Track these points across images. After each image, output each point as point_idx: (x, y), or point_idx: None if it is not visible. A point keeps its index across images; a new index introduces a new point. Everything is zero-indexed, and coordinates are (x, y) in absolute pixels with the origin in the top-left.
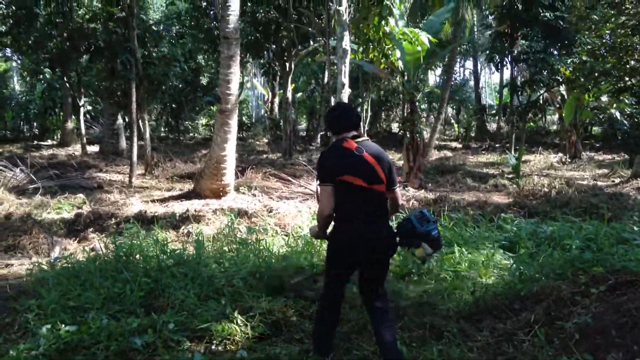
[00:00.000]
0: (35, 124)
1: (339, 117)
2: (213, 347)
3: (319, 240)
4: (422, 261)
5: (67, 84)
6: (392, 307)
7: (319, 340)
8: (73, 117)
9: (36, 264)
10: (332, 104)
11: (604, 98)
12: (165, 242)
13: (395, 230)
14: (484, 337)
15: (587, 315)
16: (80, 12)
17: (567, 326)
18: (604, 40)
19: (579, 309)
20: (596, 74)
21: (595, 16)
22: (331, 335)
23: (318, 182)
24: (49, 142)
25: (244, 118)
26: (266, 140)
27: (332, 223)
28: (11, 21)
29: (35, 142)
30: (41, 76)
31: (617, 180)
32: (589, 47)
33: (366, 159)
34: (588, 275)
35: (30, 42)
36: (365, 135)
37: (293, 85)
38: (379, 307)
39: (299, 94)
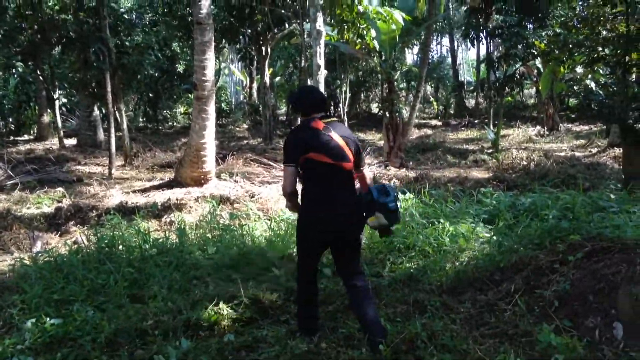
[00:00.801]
0: (10, 119)
1: (305, 99)
2: (201, 332)
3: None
4: (380, 234)
5: (41, 77)
6: (370, 285)
7: (303, 320)
8: (48, 110)
9: (18, 259)
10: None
11: (579, 69)
12: (147, 232)
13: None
14: (466, 309)
15: (566, 283)
16: (50, 3)
17: (546, 294)
18: (576, 12)
19: (558, 276)
20: (570, 46)
21: None
22: (314, 313)
23: (283, 162)
24: (26, 137)
25: (222, 105)
26: (246, 126)
27: (300, 202)
28: None
29: (12, 137)
30: (14, 70)
31: (594, 151)
32: (562, 19)
33: (332, 137)
34: (565, 243)
35: (0, 36)
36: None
37: (271, 69)
38: (357, 285)
39: (277, 78)
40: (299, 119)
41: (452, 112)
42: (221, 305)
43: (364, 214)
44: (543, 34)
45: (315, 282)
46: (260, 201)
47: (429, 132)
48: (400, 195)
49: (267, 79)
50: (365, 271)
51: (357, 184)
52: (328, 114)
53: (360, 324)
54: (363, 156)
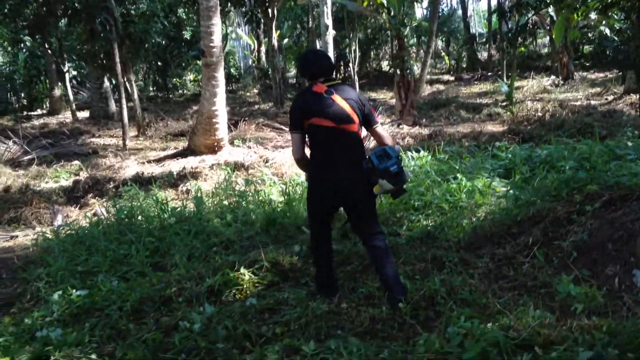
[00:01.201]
0: (22, 94)
1: (310, 63)
2: (223, 297)
3: None
4: (394, 197)
5: (49, 51)
6: (388, 244)
7: (320, 281)
8: (59, 84)
9: (40, 234)
10: (318, 47)
11: (593, 16)
12: (165, 202)
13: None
14: (484, 264)
15: (584, 233)
16: None
17: (564, 245)
18: None
19: (575, 227)
20: None
21: None
22: (331, 274)
23: (289, 129)
24: (39, 111)
25: (231, 70)
26: (256, 91)
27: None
28: None
29: (25, 112)
30: (22, 45)
31: (610, 98)
32: None
33: (334, 100)
34: (582, 193)
35: (6, 10)
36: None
37: (278, 31)
38: (376, 245)
39: (286, 40)
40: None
41: (464, 66)
42: (242, 270)
43: (369, 182)
44: None
45: (327, 244)
46: (274, 166)
47: (442, 87)
48: (414, 154)
49: (275, 42)
50: (383, 230)
51: (372, 144)
52: (335, 76)
53: (381, 282)
54: (373, 115)
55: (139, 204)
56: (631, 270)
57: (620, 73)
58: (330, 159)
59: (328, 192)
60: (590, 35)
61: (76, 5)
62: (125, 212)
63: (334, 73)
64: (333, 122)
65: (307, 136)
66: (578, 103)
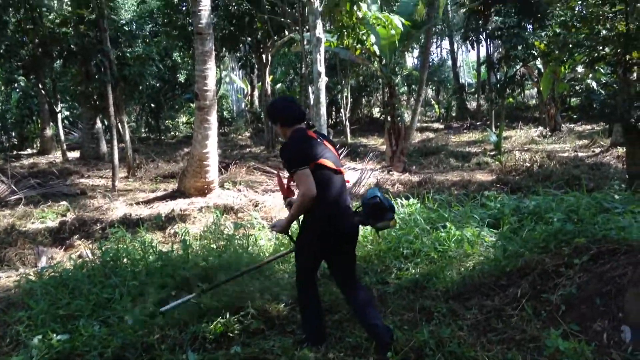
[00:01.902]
0: (13, 133)
1: (288, 110)
2: (208, 345)
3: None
4: (382, 229)
5: (43, 91)
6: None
7: (310, 328)
8: (51, 123)
9: (23, 275)
10: (311, 93)
11: (580, 69)
12: (151, 245)
13: (360, 210)
14: (473, 315)
15: (572, 286)
16: (50, 17)
17: (553, 298)
18: (575, 12)
19: (564, 280)
20: (570, 46)
21: None
22: (320, 321)
23: (294, 168)
24: (29, 150)
25: (224, 113)
26: (248, 134)
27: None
28: None
29: (15, 151)
30: (16, 85)
31: (597, 150)
32: (562, 19)
33: (327, 146)
34: (571, 246)
35: (1, 50)
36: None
37: (272, 76)
38: (359, 292)
39: (279, 85)
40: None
41: (453, 114)
42: (228, 316)
43: (371, 220)
44: (543, 34)
45: (316, 287)
46: (264, 210)
47: (431, 135)
48: (404, 201)
49: (268, 86)
50: (372, 278)
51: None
52: (311, 124)
53: (366, 329)
54: None
55: (125, 246)
56: (620, 326)
57: (607, 126)
58: (336, 199)
59: (336, 230)
60: (577, 87)
61: (72, 47)
62: (110, 254)
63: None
64: (335, 165)
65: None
66: (565, 154)
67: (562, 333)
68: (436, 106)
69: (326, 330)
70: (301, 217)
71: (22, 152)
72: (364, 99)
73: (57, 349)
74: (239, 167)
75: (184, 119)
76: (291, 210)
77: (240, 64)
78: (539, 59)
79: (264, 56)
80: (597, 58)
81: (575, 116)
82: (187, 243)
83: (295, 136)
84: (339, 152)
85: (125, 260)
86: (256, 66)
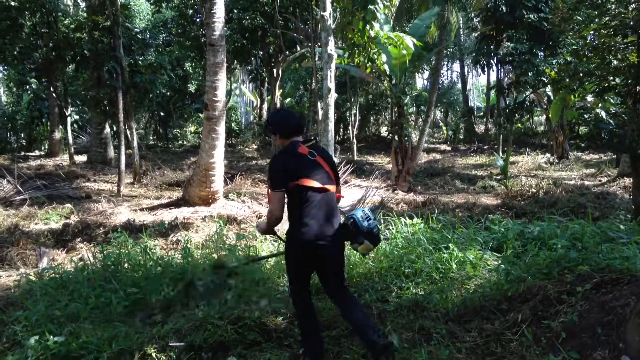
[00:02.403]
0: (22, 134)
1: (285, 123)
2: (203, 354)
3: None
4: (363, 255)
5: (54, 94)
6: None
7: (307, 342)
8: (60, 127)
9: (24, 275)
10: (320, 109)
11: (590, 98)
12: (152, 251)
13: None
14: (472, 338)
15: (573, 314)
16: (65, 22)
17: (553, 325)
18: (587, 41)
19: (565, 307)
20: (581, 74)
21: (578, 17)
22: (316, 335)
23: (270, 188)
24: (37, 152)
25: (232, 125)
26: (255, 147)
27: (289, 225)
28: None
29: (23, 152)
30: (27, 87)
31: (604, 180)
32: (573, 47)
33: (319, 162)
34: (574, 274)
35: (15, 52)
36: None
37: (281, 90)
38: (345, 297)
39: (288, 100)
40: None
41: (461, 137)
42: (225, 327)
43: (351, 242)
44: (554, 62)
45: (310, 301)
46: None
47: (438, 156)
48: (407, 220)
49: (277, 100)
50: (372, 296)
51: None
52: (311, 138)
53: (354, 328)
54: (339, 178)
55: (126, 251)
56: (620, 356)
57: (615, 156)
58: (316, 217)
59: (313, 248)
60: (586, 116)
61: (85, 52)
62: (112, 259)
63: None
64: (319, 183)
65: (287, 196)
66: (572, 182)
67: None
68: (444, 128)
69: (324, 346)
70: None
71: (30, 154)
72: (372, 117)
73: (53, 351)
74: (244, 179)
75: (192, 128)
76: (262, 224)
77: (250, 76)
78: (549, 86)
79: (274, 70)
80: (607, 88)
81: (583, 144)
82: (189, 251)
83: (283, 152)
84: (343, 168)
85: (126, 265)
86: (266, 80)
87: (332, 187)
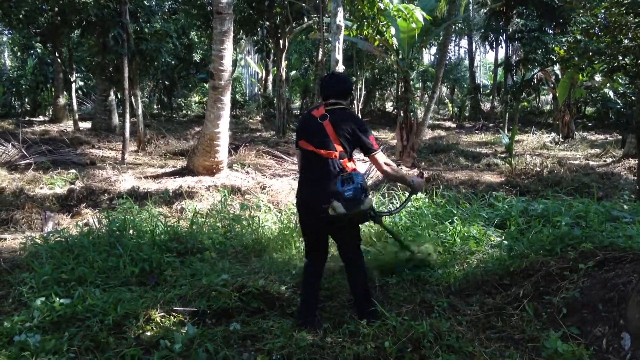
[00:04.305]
0: (26, 99)
1: (321, 85)
2: (207, 320)
3: None
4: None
5: (59, 59)
6: (364, 268)
7: (301, 304)
8: (65, 93)
9: (29, 238)
10: None
11: (598, 77)
12: (160, 218)
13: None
14: (473, 312)
15: (575, 290)
16: None
17: (555, 301)
18: (598, 19)
19: (567, 284)
20: (590, 53)
21: None
22: (311, 301)
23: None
24: (41, 118)
25: (237, 96)
26: (259, 118)
27: None
28: None
29: (27, 117)
30: (32, 51)
31: (609, 160)
32: (584, 26)
33: (323, 125)
34: (577, 251)
35: (20, 16)
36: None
37: (286, 62)
38: (349, 268)
39: (293, 72)
40: None
41: (466, 114)
42: (230, 294)
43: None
44: (563, 40)
45: (314, 267)
46: (271, 193)
47: (443, 133)
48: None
49: (283, 72)
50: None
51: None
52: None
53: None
54: (367, 142)
55: (132, 217)
56: (620, 333)
57: (621, 137)
58: (306, 180)
59: (302, 211)
60: (593, 96)
61: (91, 17)
62: (117, 224)
63: (344, 98)
64: (313, 146)
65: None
66: (577, 162)
67: (561, 335)
68: (450, 105)
69: (314, 315)
70: None
71: (34, 119)
72: (377, 92)
73: (59, 312)
74: (248, 150)
75: (196, 98)
76: None
77: (256, 47)
78: (557, 64)
79: (281, 42)
80: (617, 67)
81: (590, 124)
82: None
83: (302, 115)
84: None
85: (131, 231)
86: (272, 51)
87: (328, 152)
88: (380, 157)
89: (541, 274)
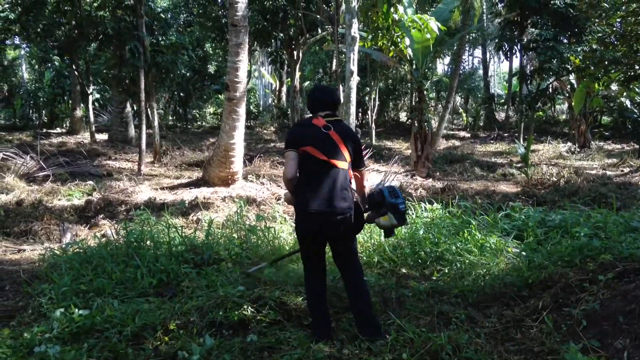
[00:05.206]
0: (44, 112)
1: (313, 98)
2: (224, 331)
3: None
4: (386, 234)
5: (76, 72)
6: (365, 279)
7: (314, 319)
8: (82, 105)
9: (48, 250)
10: (341, 91)
11: (614, 87)
12: (179, 229)
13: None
14: (491, 324)
15: (595, 302)
16: (88, 0)
17: (574, 313)
18: (614, 29)
19: (587, 295)
20: (606, 63)
21: (605, 4)
22: (325, 313)
23: (284, 149)
24: (58, 130)
25: (251, 107)
26: (273, 129)
27: (295, 195)
28: (20, 9)
29: (44, 130)
30: (50, 64)
31: (626, 170)
32: (599, 35)
33: (330, 135)
34: (596, 262)
35: (38, 30)
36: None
37: (300, 73)
38: (350, 279)
39: (307, 83)
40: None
41: (481, 124)
42: (246, 305)
43: (373, 212)
44: (579, 49)
45: (320, 278)
46: (285, 204)
47: (457, 143)
48: (427, 206)
49: (297, 83)
50: (390, 280)
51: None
52: (335, 114)
53: (353, 316)
54: (363, 158)
55: (149, 229)
56: None
57: (638, 146)
58: (317, 190)
59: (313, 223)
60: (610, 105)
61: (108, 31)
62: (135, 235)
63: (335, 110)
64: (325, 155)
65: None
66: (593, 172)
67: (582, 348)
68: (464, 114)
69: (330, 326)
70: None
71: (52, 131)
72: (391, 103)
73: (78, 324)
74: (262, 161)
75: (211, 109)
76: (286, 193)
77: (270, 59)
78: (572, 73)
79: (295, 53)
80: (633, 76)
81: (607, 133)
82: (211, 230)
83: (297, 123)
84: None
85: (148, 242)
86: (286, 62)
87: (340, 163)
88: (366, 174)
89: (560, 286)
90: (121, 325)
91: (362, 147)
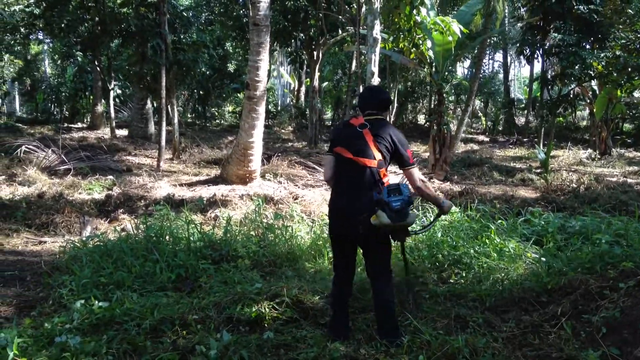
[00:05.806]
0: (65, 106)
1: (361, 97)
2: (241, 327)
3: None
4: (392, 236)
5: (98, 68)
6: (392, 288)
7: (332, 318)
8: (103, 100)
9: (69, 242)
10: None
11: (637, 94)
12: (199, 225)
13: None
14: (509, 328)
15: (615, 310)
16: None
17: (594, 320)
18: (638, 35)
19: (607, 303)
20: (629, 69)
21: (630, 10)
22: (343, 315)
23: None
24: (79, 124)
25: (270, 106)
26: (291, 129)
27: None
28: (44, 5)
29: (66, 124)
30: (72, 59)
31: None
32: (623, 41)
33: (363, 134)
34: (617, 270)
35: (62, 25)
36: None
37: (319, 74)
38: (376, 287)
39: (325, 83)
40: None
41: (500, 128)
42: (263, 302)
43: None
44: (602, 55)
45: (345, 281)
46: (303, 203)
47: (476, 147)
48: None
49: (315, 83)
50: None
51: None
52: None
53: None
54: (405, 155)
55: (168, 224)
56: None
57: None
58: (343, 189)
59: (336, 221)
60: (632, 112)
61: (131, 28)
62: (154, 230)
63: (383, 110)
64: (352, 153)
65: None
66: (614, 179)
67: (601, 355)
68: (483, 118)
69: (346, 326)
70: None
71: (73, 125)
72: (410, 105)
73: (98, 315)
74: (280, 160)
75: (229, 108)
76: None
77: (290, 59)
78: (595, 79)
79: (314, 53)
80: None
81: (629, 141)
82: (229, 227)
83: (340, 122)
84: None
85: (167, 237)
86: (306, 62)
87: (367, 160)
88: (416, 172)
89: (580, 292)
90: (140, 318)
91: (406, 146)
